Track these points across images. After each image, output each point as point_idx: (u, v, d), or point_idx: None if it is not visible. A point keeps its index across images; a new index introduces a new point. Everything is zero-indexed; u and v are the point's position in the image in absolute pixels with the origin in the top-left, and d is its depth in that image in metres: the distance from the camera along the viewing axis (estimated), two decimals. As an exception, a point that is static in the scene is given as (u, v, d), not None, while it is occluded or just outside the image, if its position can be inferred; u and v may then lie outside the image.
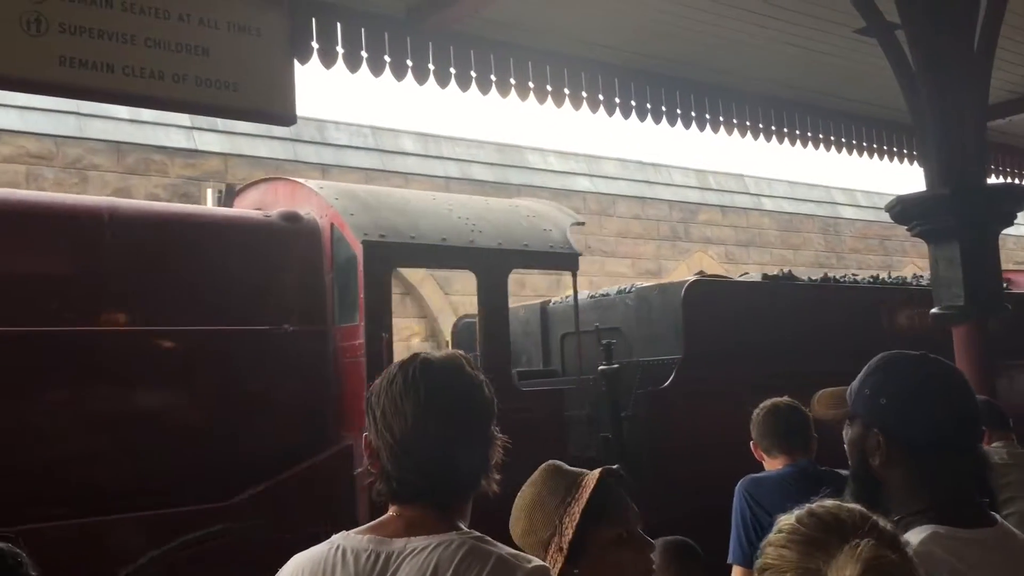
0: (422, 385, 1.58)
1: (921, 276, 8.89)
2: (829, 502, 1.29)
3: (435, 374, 1.61)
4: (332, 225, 5.41)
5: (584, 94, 6.27)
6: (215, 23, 3.98)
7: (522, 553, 1.55)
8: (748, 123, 7.27)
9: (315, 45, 4.98)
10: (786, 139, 7.59)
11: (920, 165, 5.51)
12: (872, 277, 8.32)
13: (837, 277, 8.02)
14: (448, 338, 8.25)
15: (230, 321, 5.04)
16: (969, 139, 4.89)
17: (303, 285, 5.38)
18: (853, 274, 8.99)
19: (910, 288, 8.14)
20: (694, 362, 6.13)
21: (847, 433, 1.82)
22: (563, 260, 6.14)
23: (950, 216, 4.85)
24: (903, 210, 5.08)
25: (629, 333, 6.79)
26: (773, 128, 7.45)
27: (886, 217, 5.97)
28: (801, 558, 1.20)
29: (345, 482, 4.97)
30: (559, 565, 1.95)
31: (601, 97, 6.37)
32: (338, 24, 5.09)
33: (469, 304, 8.25)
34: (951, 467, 1.68)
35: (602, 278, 14.24)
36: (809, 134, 7.72)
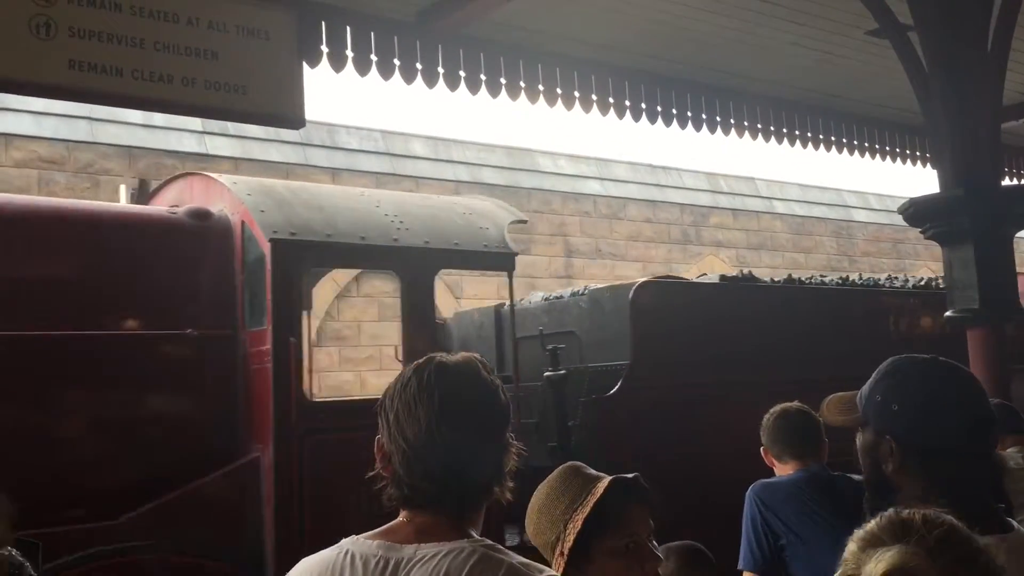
0: (437, 390, 1.55)
1: (896, 278, 8.44)
2: (921, 510, 1.26)
3: (450, 378, 1.58)
4: (243, 223, 5.10)
5: (594, 97, 6.26)
6: (224, 26, 3.98)
7: (533, 563, 1.52)
8: (759, 125, 7.24)
9: (325, 49, 4.99)
10: (797, 141, 7.55)
11: (933, 167, 5.46)
12: (841, 278, 7.91)
13: (803, 279, 7.61)
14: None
15: (126, 325, 4.78)
16: (983, 140, 4.84)
17: (212, 287, 5.08)
18: (821, 275, 8.37)
19: (881, 290, 7.80)
20: (643, 368, 5.80)
21: (859, 439, 1.79)
22: (498, 260, 5.77)
23: (964, 218, 4.80)
24: (916, 212, 5.04)
25: (583, 337, 6.46)
26: (784, 130, 7.41)
27: (899, 220, 5.91)
28: (856, 554, 1.19)
29: (252, 497, 4.69)
30: (561, 569, 1.94)
31: (611, 100, 6.36)
32: (347, 27, 5.09)
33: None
34: (966, 473, 1.65)
35: (614, 283, 14.22)
36: (820, 136, 7.68)
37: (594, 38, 5.95)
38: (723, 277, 6.97)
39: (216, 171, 11.91)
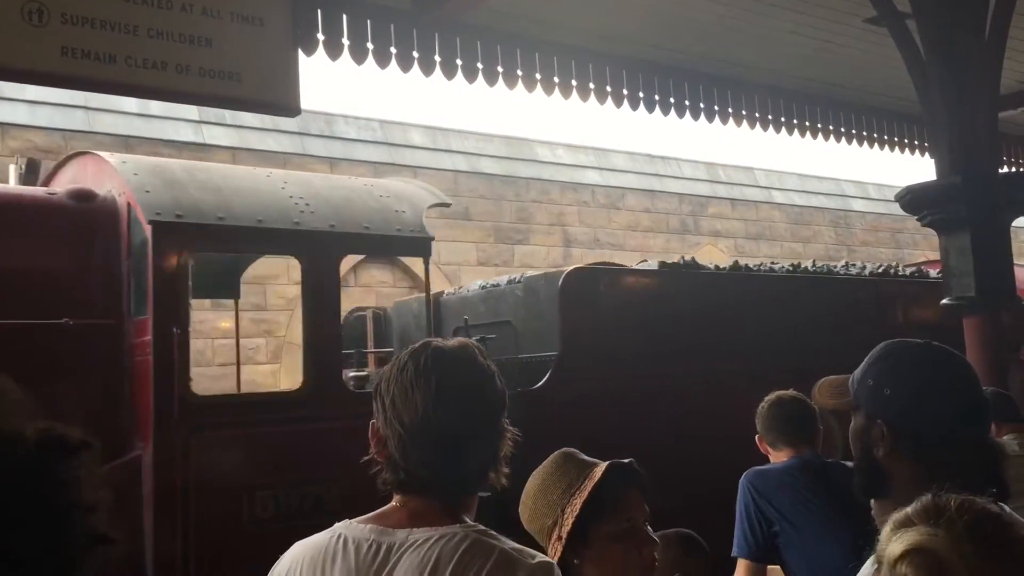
0: (434, 375, 1.55)
1: (854, 265, 7.95)
2: (959, 495, 1.23)
3: (447, 363, 1.59)
4: (128, 204, 4.79)
5: (592, 85, 6.23)
6: (218, 13, 3.96)
7: (526, 548, 1.52)
8: (757, 114, 7.22)
9: (320, 37, 4.96)
10: (795, 130, 7.53)
11: (931, 155, 5.45)
12: (792, 265, 7.43)
13: (751, 265, 7.19)
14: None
15: None
16: (980, 127, 4.84)
17: (95, 273, 4.77)
18: (772, 262, 7.87)
19: (834, 277, 7.39)
20: (573, 359, 5.48)
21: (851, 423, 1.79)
22: (411, 245, 5.47)
23: (961, 205, 4.79)
24: (913, 199, 5.03)
25: (519, 327, 6.11)
26: (783, 119, 7.40)
27: (897, 210, 5.87)
28: (887, 535, 1.18)
29: (133, 498, 4.37)
30: (558, 554, 1.94)
31: (609, 88, 6.33)
32: (343, 15, 5.06)
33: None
34: (957, 459, 1.63)
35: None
36: (819, 125, 7.66)
37: (592, 26, 5.93)
38: (662, 263, 6.57)
39: (214, 161, 11.89)
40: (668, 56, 6.50)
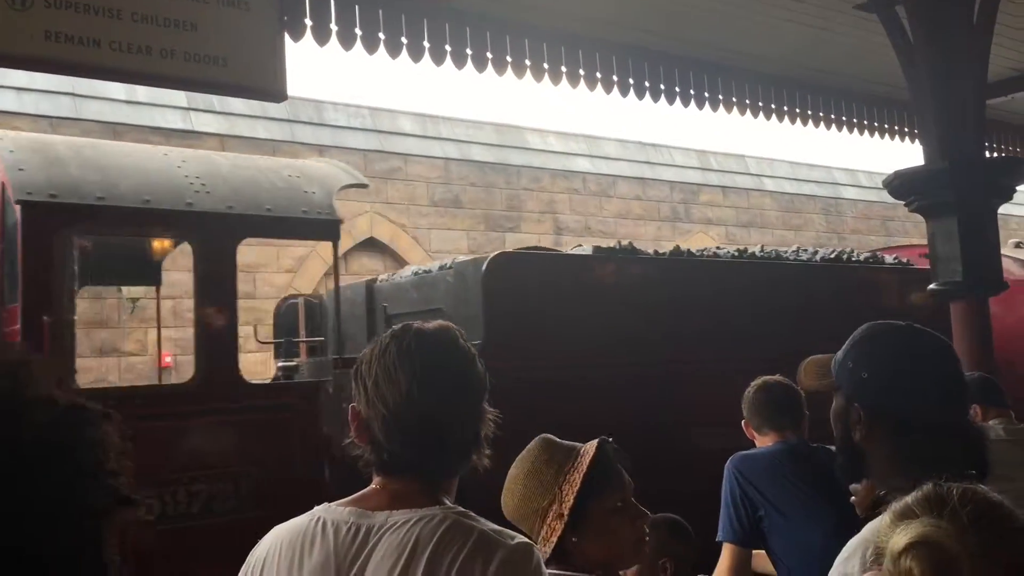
0: (417, 356, 1.56)
1: (805, 250, 7.61)
2: (960, 485, 1.22)
3: (430, 345, 1.60)
4: (2, 184, 4.52)
5: (582, 72, 6.20)
6: (203, -3, 3.93)
7: (506, 530, 1.53)
8: (748, 101, 7.21)
9: (308, 22, 4.92)
10: (786, 117, 7.52)
11: (919, 141, 5.46)
12: (738, 250, 7.07)
13: (692, 250, 6.83)
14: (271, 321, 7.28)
15: None
16: (968, 112, 4.85)
17: None
18: (717, 247, 7.53)
19: (783, 263, 7.03)
20: (497, 348, 5.10)
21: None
22: (318, 228, 5.21)
23: (948, 190, 4.81)
24: (901, 185, 5.04)
25: (450, 314, 5.60)
26: (773, 107, 7.38)
27: (888, 197, 5.84)
28: (888, 526, 1.17)
29: None
30: (558, 532, 1.96)
31: (598, 75, 6.31)
32: (331, 1, 5.03)
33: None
34: (934, 444, 1.63)
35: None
36: (810, 112, 7.65)
37: (582, 12, 5.90)
38: (597, 248, 6.19)
39: (203, 148, 11.86)
40: (659, 42, 6.48)
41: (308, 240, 7.17)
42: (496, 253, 5.78)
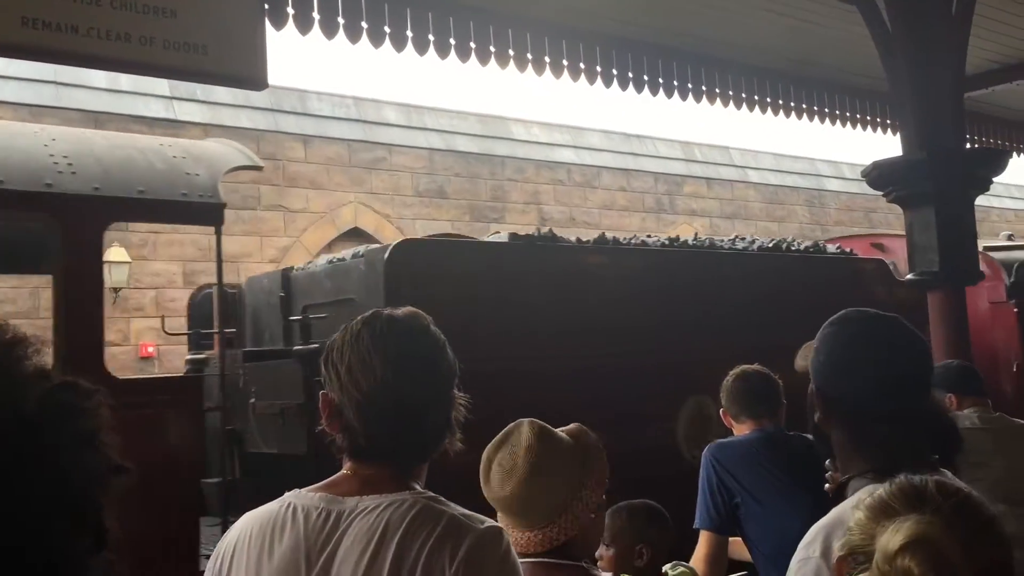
0: (390, 341, 1.58)
1: (743, 239, 7.38)
2: (931, 477, 1.23)
3: (403, 331, 1.61)
4: None
5: (565, 62, 6.20)
6: (182, -17, 3.90)
7: (475, 514, 1.54)
8: (731, 93, 7.22)
9: (290, 10, 4.89)
10: (769, 109, 7.54)
11: (898, 132, 5.49)
12: (669, 239, 6.80)
13: (620, 238, 6.48)
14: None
15: None
16: (946, 103, 4.88)
17: None
18: (648, 235, 7.23)
19: (717, 251, 6.73)
20: None
21: None
22: (198, 212, 4.85)
23: (926, 181, 4.85)
24: (879, 175, 5.08)
25: (361, 304, 5.39)
26: (756, 98, 7.40)
27: (871, 189, 5.88)
28: (867, 523, 1.16)
29: None
30: (582, 524, 1.98)
31: (582, 66, 6.30)
32: (313, -12, 5.00)
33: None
34: (886, 430, 1.63)
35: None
36: (792, 104, 7.67)
37: (566, 2, 5.89)
38: (513, 235, 5.85)
39: (186, 137, 11.78)
40: (642, 33, 6.48)
41: (188, 225, 6.64)
42: (401, 240, 5.56)
